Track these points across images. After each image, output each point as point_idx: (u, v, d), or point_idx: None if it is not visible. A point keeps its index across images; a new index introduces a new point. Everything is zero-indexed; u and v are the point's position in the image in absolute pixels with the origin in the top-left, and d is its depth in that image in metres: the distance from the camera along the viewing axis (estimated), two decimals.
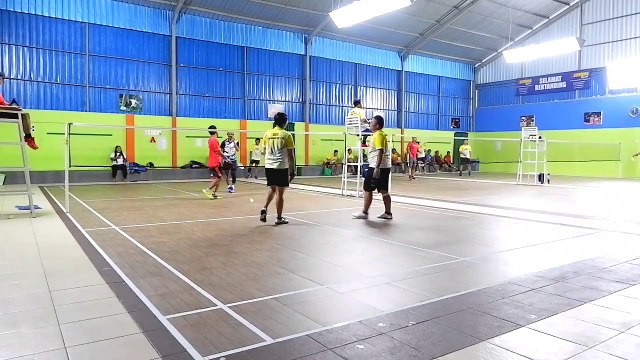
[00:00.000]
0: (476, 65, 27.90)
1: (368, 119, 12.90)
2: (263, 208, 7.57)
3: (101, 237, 6.17)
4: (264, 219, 7.47)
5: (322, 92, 22.27)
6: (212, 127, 11.81)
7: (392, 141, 15.40)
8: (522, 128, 17.73)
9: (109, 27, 16.75)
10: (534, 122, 23.50)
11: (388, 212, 8.00)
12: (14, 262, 4.90)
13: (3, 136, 10.59)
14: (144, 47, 17.55)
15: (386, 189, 8.16)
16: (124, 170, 16.44)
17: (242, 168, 18.08)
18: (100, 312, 3.37)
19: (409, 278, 4.34)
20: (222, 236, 6.38)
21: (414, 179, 18.42)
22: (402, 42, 23.93)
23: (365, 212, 8.00)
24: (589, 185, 16.33)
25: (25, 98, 15.33)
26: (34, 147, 8.48)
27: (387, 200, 8.03)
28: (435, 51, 25.31)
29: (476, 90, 28.32)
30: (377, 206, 8.55)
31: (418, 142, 20.16)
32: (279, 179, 7.51)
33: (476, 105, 28.46)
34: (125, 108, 17.21)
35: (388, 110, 24.70)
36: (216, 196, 10.97)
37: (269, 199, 7.68)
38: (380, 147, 7.80)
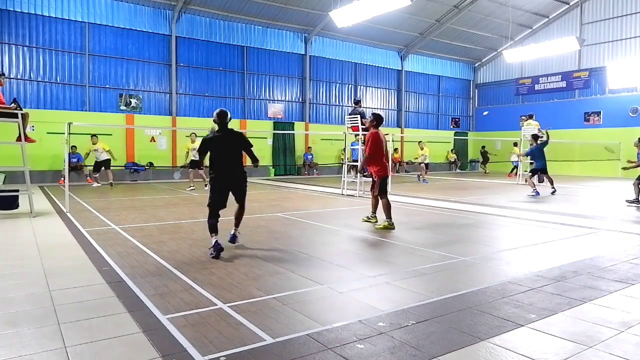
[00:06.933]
0: (476, 65, 27.90)
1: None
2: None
3: (101, 237, 6.17)
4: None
5: (322, 91, 22.26)
6: None
7: (392, 140, 15.32)
8: (522, 127, 17.69)
9: (108, 26, 16.74)
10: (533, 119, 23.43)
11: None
12: (14, 262, 4.90)
13: (3, 136, 10.60)
14: (144, 47, 17.54)
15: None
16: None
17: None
18: (100, 311, 3.37)
19: (409, 278, 4.34)
20: (222, 235, 6.36)
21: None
22: (402, 42, 23.93)
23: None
24: (589, 185, 16.33)
25: (26, 98, 15.33)
26: (32, 141, 8.65)
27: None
28: (435, 51, 25.30)
29: (476, 90, 28.32)
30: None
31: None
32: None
33: (476, 105, 28.46)
34: (125, 108, 17.21)
35: (388, 109, 24.68)
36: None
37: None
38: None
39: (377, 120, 7.36)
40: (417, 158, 18.39)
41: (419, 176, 17.75)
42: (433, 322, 3.19)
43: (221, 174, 5.36)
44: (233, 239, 5.69)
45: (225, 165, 5.36)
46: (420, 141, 19.12)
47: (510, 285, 4.10)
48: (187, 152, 13.86)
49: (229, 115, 5.43)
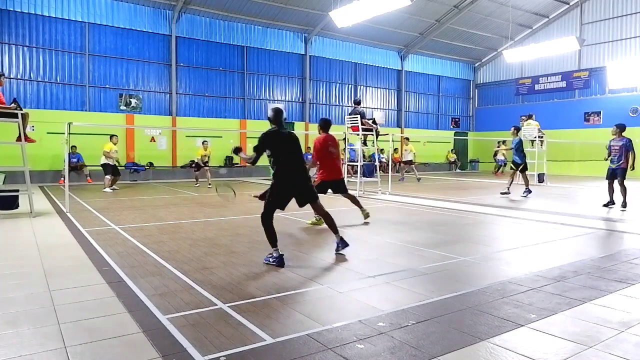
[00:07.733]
0: (476, 65, 27.90)
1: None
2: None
3: (101, 237, 6.17)
4: None
5: (322, 91, 22.27)
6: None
7: (392, 140, 15.26)
8: (522, 127, 17.69)
9: (108, 26, 16.75)
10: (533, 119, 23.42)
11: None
12: (14, 262, 4.90)
13: (3, 136, 10.60)
14: (144, 47, 17.55)
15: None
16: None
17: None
18: (100, 311, 3.37)
19: (409, 278, 4.34)
20: (222, 236, 6.38)
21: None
22: (402, 42, 23.93)
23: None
24: (589, 185, 16.32)
25: (26, 98, 15.34)
26: (32, 141, 8.65)
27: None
28: (435, 51, 25.31)
29: (476, 90, 28.33)
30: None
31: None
32: None
33: (476, 105, 28.46)
34: (125, 108, 17.21)
35: (388, 109, 24.70)
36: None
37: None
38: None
39: (323, 125, 7.43)
40: (399, 154, 18.30)
41: (418, 178, 17.79)
42: (433, 322, 3.19)
43: (287, 174, 5.01)
44: (343, 244, 5.22)
45: (291, 165, 5.04)
46: (407, 137, 19.06)
47: (510, 285, 4.09)
48: (200, 157, 14.80)
49: (284, 115, 5.15)
